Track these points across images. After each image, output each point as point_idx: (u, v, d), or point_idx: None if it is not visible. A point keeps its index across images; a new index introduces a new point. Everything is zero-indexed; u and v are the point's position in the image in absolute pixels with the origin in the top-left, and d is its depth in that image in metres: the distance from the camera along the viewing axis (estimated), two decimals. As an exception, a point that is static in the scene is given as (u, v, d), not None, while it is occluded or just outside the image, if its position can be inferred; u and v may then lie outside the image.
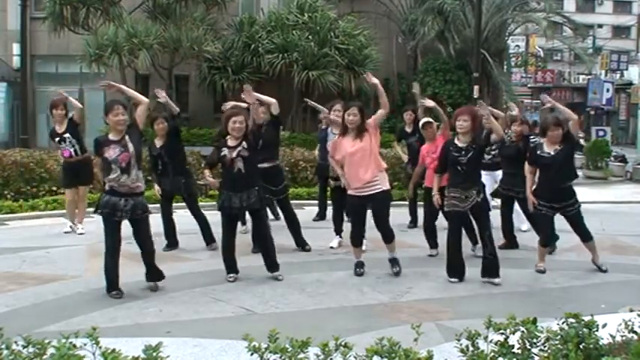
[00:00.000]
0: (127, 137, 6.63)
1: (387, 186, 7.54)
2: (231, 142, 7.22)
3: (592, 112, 37.97)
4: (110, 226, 6.63)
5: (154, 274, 7.00)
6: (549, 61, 54.31)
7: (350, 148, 7.36)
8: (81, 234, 9.88)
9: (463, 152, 7.33)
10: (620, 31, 57.78)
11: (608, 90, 34.70)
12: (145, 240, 6.86)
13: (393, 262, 7.77)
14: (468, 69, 21.78)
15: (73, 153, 9.84)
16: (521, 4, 24.22)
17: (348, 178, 7.47)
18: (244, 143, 7.19)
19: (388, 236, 7.61)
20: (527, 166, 8.18)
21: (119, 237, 6.72)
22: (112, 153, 6.54)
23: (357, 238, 7.68)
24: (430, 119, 9.25)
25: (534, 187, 7.99)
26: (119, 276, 6.74)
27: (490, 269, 7.45)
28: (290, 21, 20.94)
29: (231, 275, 7.42)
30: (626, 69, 42.37)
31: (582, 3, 57.46)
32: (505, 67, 26.19)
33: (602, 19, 57.77)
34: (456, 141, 7.47)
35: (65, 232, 10.02)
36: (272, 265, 7.51)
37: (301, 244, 8.94)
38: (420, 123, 9.29)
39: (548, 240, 8.06)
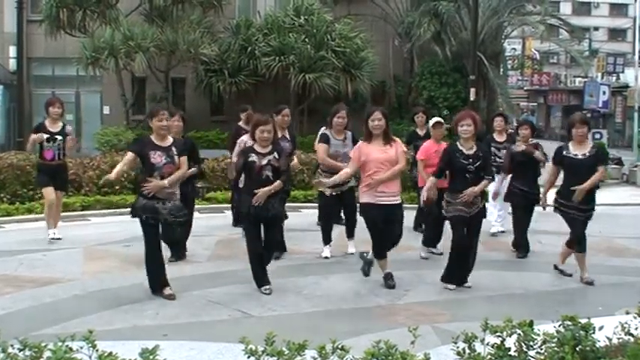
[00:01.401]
0: (173, 148, 6.68)
1: (400, 200, 7.40)
2: (258, 149, 6.99)
3: (588, 115, 38.01)
4: (151, 230, 6.63)
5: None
6: (545, 63, 54.40)
7: (379, 154, 7.14)
8: (58, 239, 9.42)
9: (471, 160, 7.17)
10: (616, 34, 57.88)
11: (604, 93, 34.77)
12: (173, 245, 7.11)
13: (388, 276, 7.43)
14: (465, 72, 21.80)
15: (55, 156, 9.40)
16: (518, 7, 24.26)
17: (368, 186, 7.16)
18: (275, 153, 7.00)
19: (395, 244, 7.40)
20: (549, 168, 8.01)
21: (159, 240, 6.75)
22: (158, 159, 6.55)
23: (384, 251, 7.38)
24: (441, 119, 9.21)
25: (559, 189, 7.80)
26: (166, 275, 6.86)
27: (465, 275, 7.44)
28: (286, 24, 20.97)
29: (267, 287, 7.01)
30: (622, 72, 42.40)
31: (578, 6, 57.55)
32: (501, 69, 26.26)
33: (598, 21, 57.90)
34: (461, 147, 7.26)
35: (52, 239, 9.40)
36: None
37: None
38: (431, 122, 9.14)
39: (583, 241, 7.72)
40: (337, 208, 9.18)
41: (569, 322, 3.21)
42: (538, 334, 3.14)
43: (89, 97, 24.09)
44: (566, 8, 52.45)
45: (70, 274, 7.80)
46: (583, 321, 3.22)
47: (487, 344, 3.11)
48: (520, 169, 9.01)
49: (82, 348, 2.68)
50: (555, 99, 52.11)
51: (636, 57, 31.60)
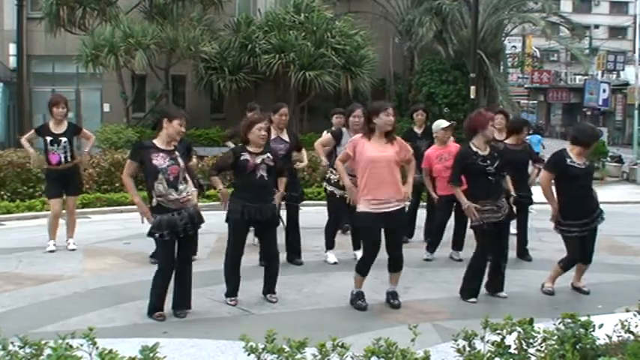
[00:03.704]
0: (176, 152, 6.19)
1: (404, 205, 6.74)
2: (252, 149, 6.57)
3: (588, 113, 38.08)
4: (168, 246, 6.05)
5: (185, 301, 6.30)
6: (546, 61, 54.43)
7: (375, 154, 6.39)
8: (72, 250, 8.91)
9: (489, 161, 6.80)
10: (616, 32, 57.89)
11: (604, 90, 34.81)
12: (189, 258, 6.35)
13: (394, 295, 6.75)
14: (465, 69, 21.80)
15: (62, 159, 8.76)
16: (518, 5, 24.24)
17: (364, 189, 6.42)
18: (268, 153, 6.62)
19: (400, 263, 6.64)
20: (545, 175, 7.17)
21: (174, 256, 6.14)
22: (161, 161, 5.98)
23: (368, 267, 6.59)
24: (448, 123, 8.92)
25: (562, 209, 7.09)
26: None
27: (501, 283, 7.13)
28: (287, 21, 20.95)
29: (233, 299, 6.65)
30: (623, 69, 42.47)
31: (579, 3, 57.56)
32: (502, 67, 26.23)
33: (598, 19, 57.90)
34: (475, 149, 6.85)
35: (50, 251, 8.79)
36: (271, 288, 6.82)
37: (293, 260, 8.46)
38: (443, 125, 8.85)
39: (573, 264, 7.30)
40: (345, 212, 8.62)
41: (569, 320, 3.21)
42: (538, 332, 3.14)
43: (89, 94, 24.06)
44: (566, 6, 52.42)
45: (69, 271, 7.82)
46: (583, 319, 3.22)
47: (487, 342, 3.11)
48: (511, 171, 7.95)
49: (82, 345, 2.68)
50: (556, 97, 52.20)
51: (636, 55, 31.55)
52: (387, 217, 6.38)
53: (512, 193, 7.17)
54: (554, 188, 7.15)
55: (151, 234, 6.04)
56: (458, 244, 8.95)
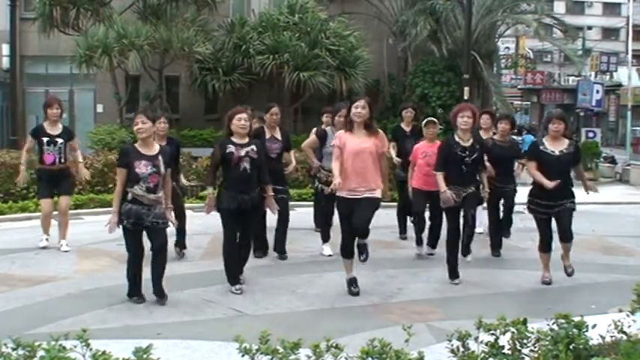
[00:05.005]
0: (160, 157, 6.44)
1: (379, 195, 6.93)
2: (236, 140, 6.95)
3: (581, 114, 38.09)
4: (134, 235, 6.42)
5: (160, 288, 6.59)
6: (539, 62, 54.47)
7: (355, 146, 6.76)
8: (66, 251, 8.84)
9: (468, 152, 7.25)
10: (609, 33, 58.04)
11: (597, 91, 34.81)
12: (160, 248, 6.52)
13: (354, 282, 7.06)
14: (458, 70, 21.81)
15: (57, 160, 8.90)
16: (512, 6, 24.29)
17: (344, 178, 6.71)
18: (253, 146, 6.97)
19: (364, 233, 6.85)
20: (529, 164, 7.67)
21: (142, 245, 6.52)
22: (143, 169, 6.31)
23: (350, 249, 6.98)
24: (434, 119, 9.11)
25: (531, 188, 7.61)
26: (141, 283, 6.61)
27: (467, 246, 7.50)
28: (281, 22, 20.93)
29: (239, 287, 6.99)
30: (616, 70, 42.59)
31: (572, 5, 57.63)
32: (495, 68, 26.27)
33: (591, 20, 57.99)
34: (458, 139, 7.31)
35: (42, 247, 8.90)
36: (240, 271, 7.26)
37: (280, 251, 8.62)
38: (424, 121, 9.04)
39: (549, 245, 7.60)
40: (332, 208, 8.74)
41: (563, 320, 3.22)
42: (532, 332, 3.15)
43: (83, 95, 23.98)
44: (559, 7, 52.41)
45: (63, 272, 7.79)
46: (576, 319, 3.23)
47: (481, 342, 3.12)
48: (498, 166, 8.64)
49: (75, 347, 2.68)
50: (549, 98, 52.21)
51: (629, 56, 31.71)
52: (358, 201, 6.77)
53: (486, 189, 7.70)
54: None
55: (120, 221, 6.40)
56: (432, 240, 8.91)
